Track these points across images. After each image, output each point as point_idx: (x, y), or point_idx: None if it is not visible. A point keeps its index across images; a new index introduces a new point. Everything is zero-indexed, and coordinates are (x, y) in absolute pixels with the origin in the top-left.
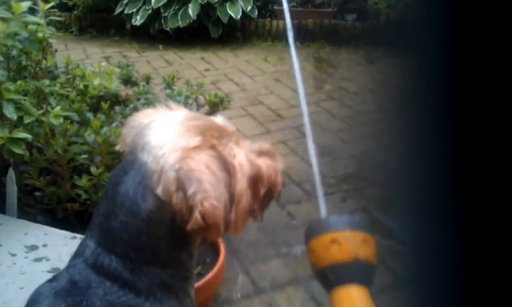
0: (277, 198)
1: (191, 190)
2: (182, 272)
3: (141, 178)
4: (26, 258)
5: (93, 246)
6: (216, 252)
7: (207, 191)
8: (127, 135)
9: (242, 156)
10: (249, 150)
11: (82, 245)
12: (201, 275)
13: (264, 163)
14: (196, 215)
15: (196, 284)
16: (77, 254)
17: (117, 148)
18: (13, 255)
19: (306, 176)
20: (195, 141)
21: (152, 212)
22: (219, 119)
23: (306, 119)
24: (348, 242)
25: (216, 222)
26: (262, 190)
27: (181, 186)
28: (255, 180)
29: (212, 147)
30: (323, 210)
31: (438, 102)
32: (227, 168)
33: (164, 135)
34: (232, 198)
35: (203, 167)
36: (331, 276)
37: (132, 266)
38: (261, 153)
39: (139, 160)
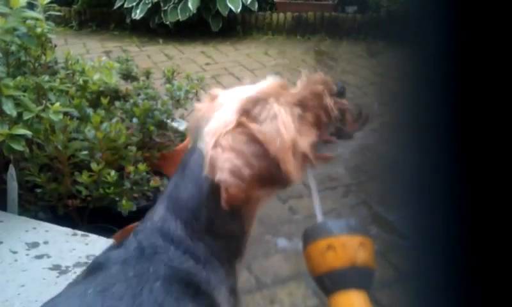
0: (335, 120)
1: (216, 178)
2: (233, 244)
3: (201, 161)
4: (27, 255)
5: (162, 211)
6: None
7: (226, 180)
8: (191, 127)
9: (283, 112)
10: (293, 97)
11: (151, 212)
12: None
13: (312, 92)
14: (222, 200)
15: None
16: (146, 219)
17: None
18: (14, 252)
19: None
20: (229, 122)
21: (210, 187)
22: (264, 83)
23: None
24: (344, 248)
25: (241, 201)
26: (315, 120)
27: (213, 172)
28: (307, 116)
29: (240, 124)
30: (319, 215)
31: (439, 94)
32: (257, 138)
33: (210, 122)
34: (273, 158)
35: (227, 152)
36: (328, 283)
37: (192, 233)
38: (307, 86)
39: (198, 147)
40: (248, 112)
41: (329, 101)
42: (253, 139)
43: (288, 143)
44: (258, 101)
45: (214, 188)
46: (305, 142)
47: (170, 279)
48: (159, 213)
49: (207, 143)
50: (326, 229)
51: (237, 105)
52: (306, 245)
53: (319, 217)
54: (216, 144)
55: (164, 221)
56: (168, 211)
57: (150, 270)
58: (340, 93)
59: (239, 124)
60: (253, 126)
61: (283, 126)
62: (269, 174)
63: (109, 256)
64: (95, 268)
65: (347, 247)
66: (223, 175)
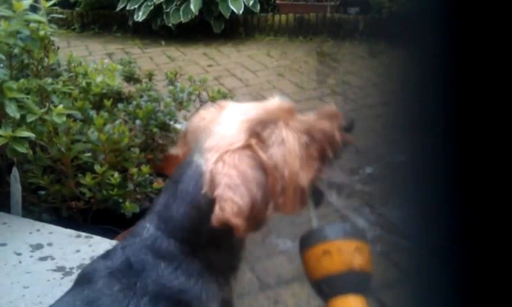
0: (337, 156)
1: (215, 193)
2: (230, 259)
3: (198, 177)
4: (31, 257)
5: (152, 229)
6: None
7: (227, 198)
8: (187, 139)
9: (291, 138)
10: (302, 124)
11: (139, 228)
12: None
13: (321, 125)
14: (214, 216)
15: None
16: (134, 234)
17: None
18: (18, 254)
19: None
20: (235, 140)
21: (208, 205)
22: (271, 102)
23: None
24: (340, 253)
25: (235, 225)
26: (319, 153)
27: (213, 188)
28: (312, 147)
29: (249, 146)
30: (314, 221)
31: (441, 95)
32: (263, 166)
33: (213, 137)
34: (269, 194)
35: (232, 170)
36: (326, 288)
37: (189, 249)
38: (320, 118)
39: (194, 161)
40: (257, 134)
41: (338, 137)
42: (260, 166)
43: (292, 176)
44: (268, 123)
45: (214, 205)
46: (306, 177)
47: (158, 296)
48: (149, 231)
49: (207, 160)
50: (322, 234)
51: (246, 124)
52: (302, 251)
53: (315, 223)
54: (218, 160)
55: (155, 239)
56: (159, 230)
57: (137, 286)
58: (349, 128)
59: (248, 146)
60: (262, 153)
61: (290, 155)
62: (260, 208)
63: (96, 268)
64: (82, 279)
65: (343, 252)
66: (219, 190)
